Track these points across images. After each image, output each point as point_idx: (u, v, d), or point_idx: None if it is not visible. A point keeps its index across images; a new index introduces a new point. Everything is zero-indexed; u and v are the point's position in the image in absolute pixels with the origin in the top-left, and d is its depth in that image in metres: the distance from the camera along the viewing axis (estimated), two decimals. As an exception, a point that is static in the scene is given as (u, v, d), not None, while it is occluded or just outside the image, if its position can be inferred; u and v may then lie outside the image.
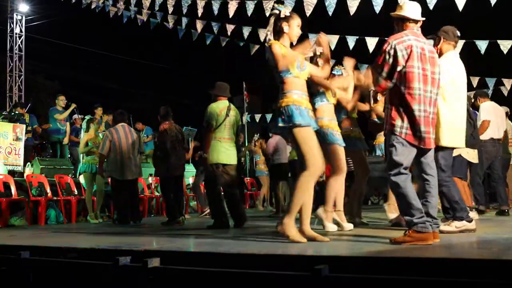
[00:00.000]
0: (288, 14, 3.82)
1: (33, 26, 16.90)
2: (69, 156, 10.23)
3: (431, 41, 4.08)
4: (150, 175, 9.94)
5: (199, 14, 10.53)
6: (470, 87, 4.45)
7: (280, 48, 3.71)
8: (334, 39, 9.49)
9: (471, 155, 6.08)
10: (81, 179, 8.29)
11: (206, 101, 5.95)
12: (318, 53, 4.71)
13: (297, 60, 3.77)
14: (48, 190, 7.60)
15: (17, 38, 16.01)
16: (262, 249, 3.40)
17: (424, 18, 3.62)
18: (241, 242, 3.86)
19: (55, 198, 7.63)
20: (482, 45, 9.66)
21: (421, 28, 3.61)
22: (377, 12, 8.40)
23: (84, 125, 8.42)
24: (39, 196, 7.43)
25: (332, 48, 9.32)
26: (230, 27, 10.78)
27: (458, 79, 4.17)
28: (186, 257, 3.22)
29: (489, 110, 6.70)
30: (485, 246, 3.30)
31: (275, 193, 8.37)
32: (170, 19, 11.22)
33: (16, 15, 16.02)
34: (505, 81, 12.20)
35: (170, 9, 10.66)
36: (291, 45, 3.89)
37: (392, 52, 3.40)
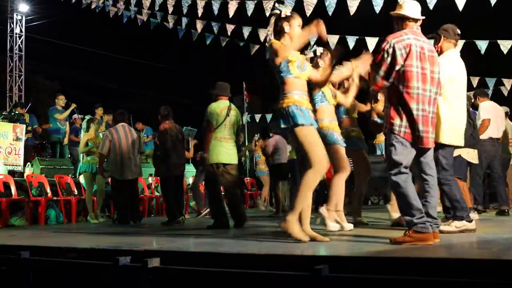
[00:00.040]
0: (289, 14, 3.82)
1: (33, 26, 16.93)
2: (69, 156, 10.23)
3: (431, 41, 4.08)
4: (150, 175, 9.94)
5: (199, 14, 10.53)
6: (470, 87, 4.45)
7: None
8: (334, 39, 9.49)
9: (471, 156, 6.08)
10: (81, 179, 8.29)
11: (206, 101, 5.96)
12: (318, 53, 4.72)
13: (298, 60, 3.77)
14: (48, 190, 7.60)
15: (17, 38, 16.02)
16: (262, 249, 3.40)
17: (424, 17, 3.61)
18: (241, 242, 3.86)
19: (55, 198, 7.63)
20: (482, 45, 9.66)
21: (421, 28, 3.61)
22: (377, 12, 8.40)
23: (84, 124, 8.42)
24: (39, 196, 7.43)
25: (332, 48, 9.33)
26: (230, 27, 10.78)
27: (458, 78, 4.16)
28: (186, 257, 3.21)
29: (489, 110, 6.70)
30: (485, 246, 3.30)
31: (275, 193, 8.36)
32: (170, 19, 11.23)
33: (16, 15, 16.03)
34: (505, 81, 12.20)
35: (170, 9, 10.66)
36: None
37: (390, 51, 3.39)
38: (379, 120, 5.46)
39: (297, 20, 3.86)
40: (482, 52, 9.69)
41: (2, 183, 7.31)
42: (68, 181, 8.21)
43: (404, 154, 3.39)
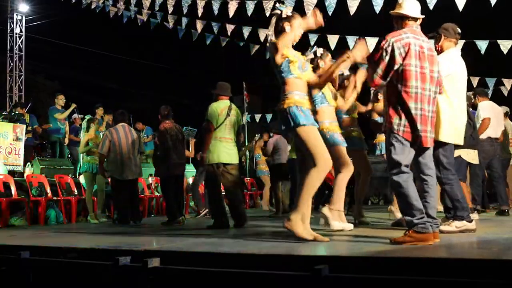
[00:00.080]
0: (289, 14, 3.81)
1: (33, 26, 16.93)
2: (68, 156, 10.23)
3: (432, 40, 4.07)
4: (150, 175, 9.94)
5: (199, 14, 10.53)
6: (470, 87, 4.45)
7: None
8: (334, 39, 9.50)
9: (471, 156, 6.07)
10: (81, 179, 8.30)
11: (206, 101, 5.96)
12: (318, 54, 4.71)
13: (299, 61, 3.77)
14: (48, 190, 7.60)
15: (17, 38, 16.02)
16: (262, 249, 3.40)
17: (423, 16, 3.61)
18: (241, 242, 3.86)
19: (55, 198, 7.63)
20: (482, 45, 9.66)
21: (421, 28, 3.60)
22: (377, 12, 8.40)
23: (84, 124, 8.43)
24: (39, 196, 7.43)
25: (332, 48, 9.34)
26: (230, 27, 10.78)
27: (457, 77, 4.15)
28: (186, 257, 3.21)
29: (488, 109, 6.69)
30: (485, 246, 3.29)
31: (275, 193, 8.36)
32: (170, 19, 11.23)
33: (16, 15, 16.03)
34: (505, 81, 12.20)
35: (170, 9, 10.66)
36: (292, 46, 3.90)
37: (389, 49, 3.38)
38: (380, 120, 5.46)
39: (298, 21, 3.85)
40: (482, 52, 9.69)
41: (2, 183, 7.32)
42: (68, 181, 8.21)
43: (404, 153, 3.38)
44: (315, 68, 4.51)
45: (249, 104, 16.19)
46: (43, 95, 21.45)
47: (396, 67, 3.37)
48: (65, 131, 10.03)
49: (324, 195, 8.07)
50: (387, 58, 3.38)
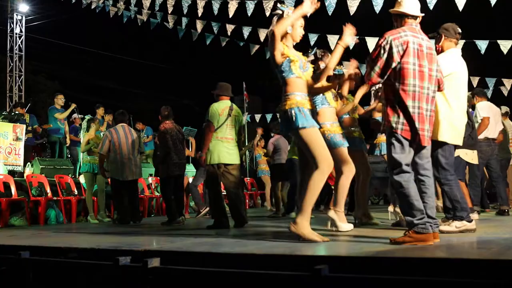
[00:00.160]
0: (291, 14, 3.81)
1: (33, 26, 16.93)
2: (68, 156, 10.23)
3: (433, 40, 4.07)
4: (150, 175, 9.94)
5: (199, 14, 10.54)
6: (470, 87, 4.44)
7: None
8: (334, 39, 9.50)
9: (470, 156, 6.07)
10: (81, 179, 8.30)
11: (206, 101, 5.96)
12: (319, 55, 4.71)
13: (300, 61, 3.77)
14: (48, 190, 7.60)
15: (17, 38, 16.01)
16: (262, 249, 3.40)
17: (423, 14, 3.60)
18: (241, 242, 3.86)
19: (55, 198, 7.63)
20: (482, 45, 9.68)
21: (421, 28, 3.60)
22: (377, 12, 8.41)
23: (84, 124, 8.43)
24: (39, 196, 7.43)
25: (332, 48, 9.34)
26: (230, 27, 10.79)
27: (456, 77, 4.14)
28: (186, 257, 3.21)
29: (487, 109, 6.70)
30: (485, 246, 3.29)
31: (274, 193, 8.37)
32: (170, 19, 11.24)
33: (16, 15, 16.02)
34: (505, 81, 12.21)
35: (170, 9, 10.67)
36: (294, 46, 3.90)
37: (387, 47, 3.38)
38: (380, 119, 5.46)
39: (299, 21, 3.85)
40: (482, 52, 9.70)
41: (2, 183, 7.31)
42: (68, 181, 8.21)
43: (404, 152, 3.37)
44: (316, 69, 4.50)
45: (249, 104, 16.19)
46: (43, 95, 21.46)
47: (394, 65, 3.36)
48: (64, 131, 10.02)
49: (324, 195, 8.08)
50: (385, 55, 3.38)
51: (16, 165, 8.66)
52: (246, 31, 10.64)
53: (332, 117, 4.70)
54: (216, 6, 10.11)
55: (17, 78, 15.98)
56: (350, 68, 4.71)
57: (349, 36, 3.91)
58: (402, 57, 3.36)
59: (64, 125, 10.03)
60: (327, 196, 8.52)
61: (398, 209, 5.19)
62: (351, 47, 9.52)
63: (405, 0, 3.57)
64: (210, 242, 3.96)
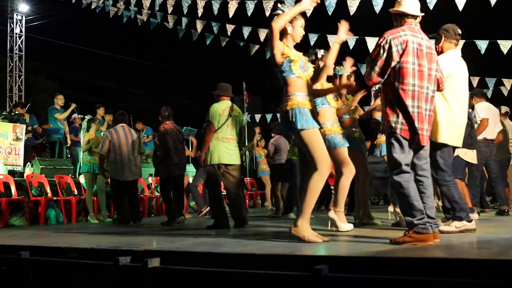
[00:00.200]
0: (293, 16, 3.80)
1: (33, 26, 16.94)
2: (68, 156, 10.23)
3: (433, 40, 4.07)
4: (150, 175, 9.94)
5: (199, 14, 10.54)
6: (470, 87, 4.44)
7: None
8: (334, 39, 9.49)
9: (470, 156, 6.07)
10: (81, 179, 8.30)
11: (206, 101, 5.97)
12: (319, 55, 4.71)
13: (300, 60, 3.77)
14: (48, 190, 7.59)
15: (17, 38, 16.01)
16: (262, 249, 3.40)
17: (423, 14, 3.60)
18: (241, 242, 3.86)
19: (55, 198, 7.63)
20: (482, 45, 9.68)
21: (422, 29, 3.60)
22: (377, 12, 8.41)
23: (84, 124, 8.43)
24: (39, 196, 7.43)
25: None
26: (230, 27, 10.78)
27: (456, 77, 4.13)
28: (186, 257, 3.21)
29: (486, 110, 6.71)
30: (485, 246, 3.29)
31: (274, 193, 8.37)
32: (170, 19, 11.24)
33: (16, 15, 16.02)
34: (505, 81, 12.22)
35: (170, 9, 10.67)
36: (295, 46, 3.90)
37: (386, 46, 3.38)
38: (381, 119, 5.46)
39: (300, 21, 3.85)
40: (482, 52, 9.70)
41: (2, 183, 7.31)
42: (68, 181, 8.21)
43: (403, 152, 3.37)
44: (317, 69, 4.50)
45: (249, 104, 16.18)
46: (43, 95, 21.45)
47: (393, 64, 3.36)
48: (64, 131, 10.02)
49: (323, 195, 8.08)
50: (385, 55, 3.38)
51: (16, 165, 8.66)
52: (246, 31, 10.64)
53: (332, 117, 4.70)
54: (216, 6, 10.11)
55: (17, 78, 15.98)
56: (347, 66, 4.75)
57: (344, 33, 3.95)
58: (401, 56, 3.35)
59: (64, 125, 10.03)
60: (326, 197, 8.54)
61: (398, 209, 5.19)
62: (351, 47, 9.54)
63: (405, -1, 3.57)
64: (210, 242, 3.96)
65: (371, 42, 9.31)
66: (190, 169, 10.11)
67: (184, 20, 11.14)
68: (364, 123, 5.52)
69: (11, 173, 8.26)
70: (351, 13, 8.58)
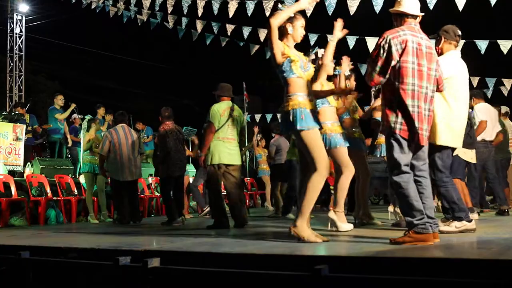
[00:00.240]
0: (292, 14, 3.81)
1: (33, 26, 16.94)
2: (68, 156, 10.23)
3: (433, 41, 4.07)
4: (150, 175, 9.94)
5: (199, 14, 10.54)
6: (470, 87, 4.44)
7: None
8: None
9: (469, 156, 6.07)
10: (81, 179, 8.30)
11: (206, 101, 5.97)
12: (320, 55, 4.71)
13: (300, 60, 3.77)
14: (48, 190, 7.60)
15: (17, 38, 16.01)
16: (262, 249, 3.40)
17: (423, 13, 3.61)
18: (241, 242, 3.86)
19: (55, 198, 7.63)
20: (482, 45, 9.68)
21: (422, 29, 3.60)
22: (377, 12, 8.41)
23: (84, 124, 8.43)
24: (39, 196, 7.43)
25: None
26: (230, 27, 10.78)
27: (456, 79, 4.13)
28: (186, 257, 3.21)
29: (485, 112, 6.72)
30: (485, 246, 3.29)
31: (274, 193, 8.37)
32: (170, 19, 11.24)
33: (16, 15, 16.02)
34: (505, 81, 12.22)
35: (170, 9, 10.67)
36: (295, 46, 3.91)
37: (386, 46, 3.38)
38: (380, 119, 5.46)
39: (300, 21, 3.85)
40: (482, 52, 9.71)
41: (2, 183, 7.31)
42: (68, 181, 8.21)
43: (403, 152, 3.37)
44: (317, 69, 4.51)
45: (249, 104, 16.19)
46: (43, 95, 21.45)
47: (393, 63, 3.36)
48: (64, 131, 10.02)
49: (323, 195, 8.08)
50: (385, 55, 3.38)
51: (16, 165, 8.66)
52: (246, 31, 10.63)
53: (332, 117, 4.70)
54: (216, 6, 10.11)
55: (17, 78, 15.97)
56: (344, 65, 4.75)
57: (339, 31, 3.98)
58: (401, 55, 3.36)
59: (64, 126, 10.03)
60: (325, 196, 8.54)
61: (398, 209, 5.19)
62: (351, 47, 9.53)
63: (405, -1, 3.57)
64: (210, 242, 3.96)
65: (371, 42, 9.31)
66: (191, 169, 10.12)
67: (184, 20, 11.14)
68: (364, 123, 5.51)
69: (11, 173, 8.26)
70: (351, 13, 8.58)
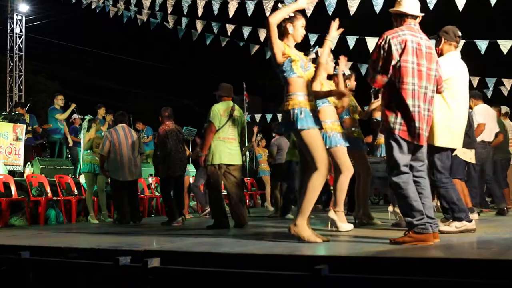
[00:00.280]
0: (292, 14, 3.81)
1: (33, 26, 16.93)
2: (68, 156, 10.23)
3: (433, 41, 4.07)
4: (150, 175, 9.94)
5: (199, 14, 10.53)
6: (470, 87, 4.44)
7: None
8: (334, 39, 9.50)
9: (468, 155, 6.06)
10: (81, 179, 8.30)
11: (206, 101, 5.97)
12: (320, 55, 4.71)
13: (301, 60, 3.77)
14: (48, 190, 7.60)
15: (17, 38, 16.00)
16: (262, 249, 3.40)
17: (423, 14, 3.61)
18: (241, 242, 3.86)
19: (55, 198, 7.63)
20: (482, 45, 9.68)
21: (422, 29, 3.60)
22: (377, 11, 8.41)
23: (85, 124, 8.43)
24: (39, 196, 7.43)
25: (332, 48, 9.35)
26: (230, 27, 10.78)
27: (456, 80, 4.13)
28: (186, 257, 3.21)
29: (484, 113, 6.72)
30: (485, 246, 3.29)
31: (274, 193, 8.37)
32: (170, 19, 11.23)
33: (16, 15, 16.02)
34: (505, 81, 12.22)
35: (170, 9, 10.66)
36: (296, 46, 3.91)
37: (386, 46, 3.38)
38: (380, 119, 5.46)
39: (301, 21, 3.85)
40: (482, 52, 9.70)
41: (2, 183, 7.32)
42: (68, 181, 8.21)
43: (402, 153, 3.37)
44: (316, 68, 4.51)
45: (249, 104, 16.18)
46: (43, 95, 21.44)
47: (393, 62, 3.36)
48: (64, 131, 10.02)
49: (323, 195, 8.07)
50: (385, 54, 3.38)
51: (16, 165, 8.66)
52: (246, 31, 10.63)
53: (333, 116, 4.70)
54: (216, 6, 10.11)
55: (17, 78, 15.97)
56: (341, 65, 4.76)
57: (335, 30, 4.07)
58: (401, 55, 3.36)
59: (64, 126, 10.03)
60: (325, 197, 8.53)
61: (398, 209, 5.19)
62: (351, 47, 9.53)
63: (405, -1, 3.57)
64: (210, 242, 3.96)
65: (371, 42, 9.31)
66: (191, 169, 10.12)
67: (184, 20, 11.14)
68: (364, 123, 5.51)
69: (11, 173, 8.26)
70: (351, 13, 8.58)
